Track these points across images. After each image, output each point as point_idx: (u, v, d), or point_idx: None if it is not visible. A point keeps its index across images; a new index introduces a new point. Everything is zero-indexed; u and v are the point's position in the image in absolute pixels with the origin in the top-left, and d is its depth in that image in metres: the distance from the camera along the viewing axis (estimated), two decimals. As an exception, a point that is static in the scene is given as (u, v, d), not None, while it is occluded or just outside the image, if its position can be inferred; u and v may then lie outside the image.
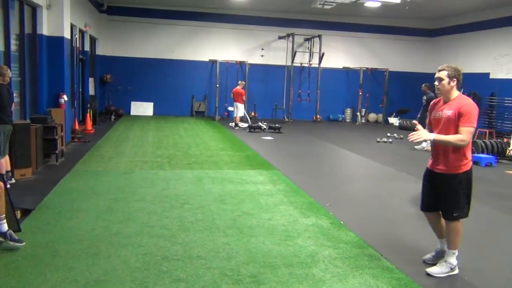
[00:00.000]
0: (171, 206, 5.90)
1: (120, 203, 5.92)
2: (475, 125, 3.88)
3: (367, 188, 7.65)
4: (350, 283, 3.85)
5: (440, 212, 4.14)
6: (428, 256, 4.33)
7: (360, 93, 19.49)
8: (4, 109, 6.44)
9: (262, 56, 19.60)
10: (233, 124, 15.74)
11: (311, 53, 19.42)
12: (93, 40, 16.60)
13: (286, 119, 18.79)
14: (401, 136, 14.29)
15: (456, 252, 4.08)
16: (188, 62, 19.00)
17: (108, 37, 18.25)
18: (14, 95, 8.30)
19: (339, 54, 20.11)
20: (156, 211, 5.63)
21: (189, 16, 18.55)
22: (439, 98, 4.17)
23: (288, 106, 19.14)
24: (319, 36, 18.53)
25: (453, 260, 4.08)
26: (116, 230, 4.88)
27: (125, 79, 18.38)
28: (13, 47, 8.27)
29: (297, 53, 19.13)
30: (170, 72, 18.86)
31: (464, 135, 3.82)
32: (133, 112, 18.76)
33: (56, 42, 10.01)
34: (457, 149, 3.89)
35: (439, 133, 3.98)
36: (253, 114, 18.60)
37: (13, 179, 6.76)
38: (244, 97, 16.01)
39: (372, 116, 20.51)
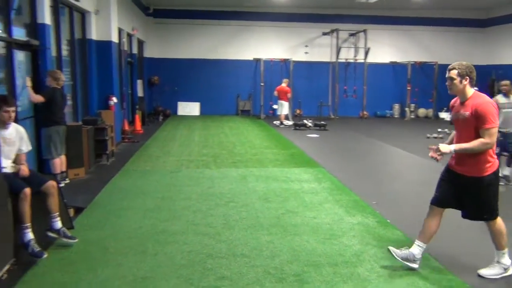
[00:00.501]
0: (216, 204, 5.96)
1: (166, 202, 6.05)
2: (497, 123, 3.66)
3: (414, 185, 7.41)
4: (396, 283, 3.75)
5: (464, 213, 3.96)
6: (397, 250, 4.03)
7: (409, 88, 18.93)
8: (58, 111, 6.77)
9: (306, 53, 19.44)
10: (278, 122, 15.72)
11: (357, 49, 19.07)
12: (140, 43, 17.06)
13: (332, 116, 18.54)
14: (453, 131, 13.74)
15: (506, 251, 3.89)
16: (233, 61, 19.15)
17: (155, 39, 18.71)
18: (67, 98, 8.70)
19: (385, 49, 19.62)
20: (201, 209, 5.71)
21: (232, 16, 18.70)
22: (456, 98, 3.96)
23: (334, 103, 18.88)
24: (365, 31, 18.15)
25: (505, 261, 3.88)
26: (163, 228, 4.99)
27: (172, 80, 18.79)
28: (65, 52, 8.63)
29: (342, 49, 18.84)
30: (215, 72, 19.08)
31: (487, 138, 3.62)
32: (180, 112, 19.13)
33: (105, 46, 10.36)
34: (482, 151, 3.69)
35: (460, 135, 3.85)
36: (298, 111, 18.49)
37: (67, 179, 7.05)
38: (289, 95, 15.95)
39: (421, 111, 19.86)
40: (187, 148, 10.62)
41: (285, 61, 18.93)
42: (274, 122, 15.96)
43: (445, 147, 3.76)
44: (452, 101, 4.03)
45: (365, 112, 18.96)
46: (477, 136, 3.67)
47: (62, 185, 6.52)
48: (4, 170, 4.17)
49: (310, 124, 14.66)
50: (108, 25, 10.37)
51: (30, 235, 4.11)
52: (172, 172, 7.95)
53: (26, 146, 4.58)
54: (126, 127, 12.07)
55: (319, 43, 19.42)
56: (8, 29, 6.27)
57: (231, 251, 4.36)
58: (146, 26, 17.65)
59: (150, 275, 3.82)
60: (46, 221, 4.41)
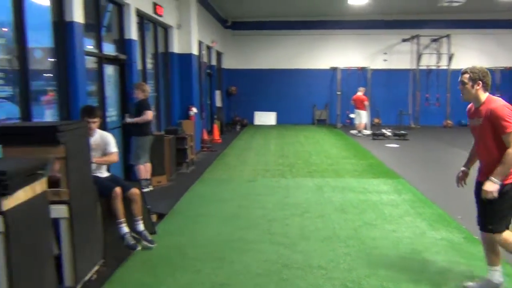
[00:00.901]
0: (292, 214, 5.95)
1: (243, 210, 6.14)
2: None
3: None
4: (486, 304, 3.49)
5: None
6: (471, 284, 3.72)
7: (499, 95, 17.70)
8: (148, 122, 7.14)
9: (384, 60, 18.91)
10: (356, 131, 15.40)
11: (439, 55, 18.22)
12: (219, 55, 17.60)
13: (413, 125, 17.81)
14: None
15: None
16: (309, 70, 19.11)
17: (233, 51, 19.19)
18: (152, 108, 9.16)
19: (470, 54, 18.51)
20: (277, 219, 5.72)
21: (308, 25, 18.68)
22: (471, 104, 3.66)
23: (415, 111, 18.15)
24: (448, 36, 17.32)
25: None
26: (239, 236, 5.06)
27: (249, 90, 19.13)
28: (149, 65, 9.12)
29: (423, 55, 18.10)
30: (292, 82, 19.15)
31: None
32: (257, 121, 19.41)
33: (186, 58, 10.81)
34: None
35: (478, 144, 3.59)
36: (376, 120, 18.01)
37: (150, 186, 7.40)
38: (366, 103, 15.55)
39: (512, 120, 18.47)
40: (263, 157, 10.72)
41: (363, 69, 18.54)
42: (351, 132, 15.65)
43: (490, 186, 3.38)
44: (468, 107, 3.74)
45: (448, 121, 18.01)
46: (497, 143, 3.39)
47: (146, 190, 6.88)
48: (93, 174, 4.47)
49: (389, 134, 14.18)
50: (189, 39, 10.82)
51: (125, 229, 4.50)
52: (248, 181, 8.06)
53: (113, 148, 4.83)
54: (205, 137, 12.45)
55: (399, 50, 18.80)
56: (99, 45, 6.76)
57: (307, 262, 4.31)
58: (224, 38, 18.17)
59: (227, 282, 3.88)
60: (129, 224, 4.68)
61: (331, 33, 18.78)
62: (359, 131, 15.21)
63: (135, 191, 4.66)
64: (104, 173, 4.79)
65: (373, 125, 16.69)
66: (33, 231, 2.89)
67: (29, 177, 2.87)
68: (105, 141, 4.79)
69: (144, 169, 7.22)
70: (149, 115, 7.10)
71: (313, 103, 19.23)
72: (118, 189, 4.41)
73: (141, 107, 7.08)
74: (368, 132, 15.14)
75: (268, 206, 6.31)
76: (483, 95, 3.54)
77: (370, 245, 4.78)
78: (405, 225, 5.43)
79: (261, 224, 5.52)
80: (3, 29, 4.79)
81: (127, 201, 4.61)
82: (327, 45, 19.01)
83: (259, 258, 4.41)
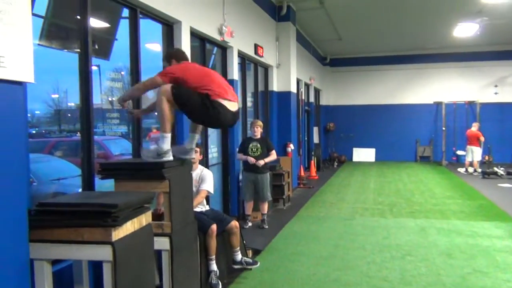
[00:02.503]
0: (392, 256, 5.65)
1: (340, 250, 5.97)
2: None
3: None
4: None
5: None
6: None
7: None
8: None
9: (496, 93, 17.61)
10: (463, 169, 14.35)
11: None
12: (317, 92, 17.71)
13: (530, 163, 16.21)
14: None
15: None
16: (410, 105, 18.41)
17: (331, 87, 19.21)
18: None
19: None
20: (376, 261, 5.47)
21: (410, 59, 18.10)
22: None
23: (533, 148, 16.53)
24: None
25: None
26: (335, 277, 4.92)
27: (347, 127, 18.90)
28: (249, 103, 9.45)
29: (541, 87, 16.58)
30: (392, 117, 18.57)
31: None
32: (355, 158, 19.00)
33: (284, 96, 11.03)
34: None
35: None
36: (487, 158, 16.66)
37: (249, 223, 7.52)
38: (482, 139, 14.34)
39: None
40: (362, 195, 10.41)
41: (470, 103, 17.42)
42: (458, 170, 14.64)
43: None
44: None
45: None
46: None
47: (246, 227, 7.07)
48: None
49: (502, 173, 13.01)
50: (288, 77, 11.06)
51: (214, 266, 4.62)
52: (346, 219, 7.86)
53: (207, 186, 4.98)
54: (302, 173, 12.45)
55: (511, 82, 17.44)
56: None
57: (408, 309, 4.05)
58: (322, 75, 18.28)
59: (321, 325, 3.77)
60: (228, 256, 4.87)
61: (434, 66, 18.01)
62: (468, 169, 14.15)
63: (234, 224, 4.84)
64: (204, 207, 4.99)
65: (483, 163, 15.45)
66: (138, 261, 3.07)
67: (137, 210, 3.08)
68: (202, 178, 4.99)
69: (250, 206, 7.49)
70: (270, 159, 7.45)
71: (415, 139, 18.41)
72: (214, 227, 4.55)
73: (269, 145, 7.46)
74: (478, 170, 14.03)
75: (367, 247, 6.07)
76: None
77: (480, 295, 4.36)
78: (522, 276, 4.89)
79: (359, 266, 5.31)
80: (121, 73, 5.32)
81: (226, 234, 4.77)
82: (430, 79, 18.21)
83: (356, 302, 4.23)
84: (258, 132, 7.37)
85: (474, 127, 14.58)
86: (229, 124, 3.75)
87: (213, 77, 3.65)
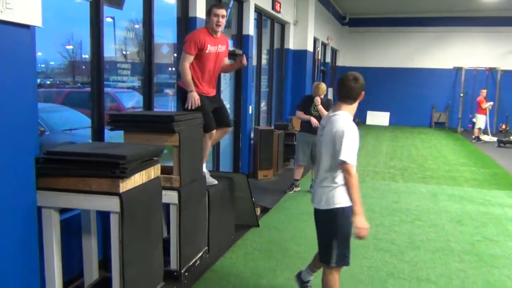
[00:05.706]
0: (401, 220, 5.62)
1: (349, 212, 5.94)
2: None
3: None
4: None
5: None
6: None
7: None
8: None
9: (518, 61, 17.06)
10: (474, 137, 14.13)
11: None
12: (334, 52, 17.31)
13: (548, 134, 15.88)
14: None
15: None
16: (429, 70, 17.96)
17: (348, 48, 18.76)
18: (262, 104, 9.30)
19: None
20: (384, 224, 5.45)
21: (431, 22, 17.49)
22: None
23: (552, 118, 16.16)
24: None
25: None
26: (343, 238, 4.90)
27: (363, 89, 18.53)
28: (264, 61, 9.26)
29: None
30: (408, 81, 18.18)
31: None
32: (369, 121, 18.78)
33: (300, 55, 10.78)
34: None
35: None
36: (503, 126, 16.36)
37: (296, 188, 7.03)
38: (483, 106, 13.99)
39: None
40: (374, 158, 10.32)
41: (492, 70, 16.92)
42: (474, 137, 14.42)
43: None
44: None
45: None
46: None
47: (291, 192, 6.88)
48: None
49: (518, 142, 12.79)
50: (305, 35, 10.77)
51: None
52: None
53: None
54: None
55: (536, 50, 16.85)
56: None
57: (415, 273, 4.04)
58: (340, 35, 17.82)
59: (327, 285, 3.77)
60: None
61: (456, 30, 17.40)
62: (474, 137, 13.94)
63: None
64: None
65: (500, 131, 15.17)
66: (145, 213, 3.07)
67: (145, 163, 3.05)
68: None
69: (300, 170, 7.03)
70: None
71: (431, 104, 18.07)
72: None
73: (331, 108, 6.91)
74: (493, 138, 13.78)
75: (376, 210, 6.05)
76: None
77: (489, 263, 4.32)
78: (533, 245, 4.83)
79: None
80: (135, 25, 5.18)
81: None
82: (451, 43, 17.65)
83: (363, 264, 4.22)
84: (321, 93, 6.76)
85: (481, 94, 14.24)
86: None
87: None
